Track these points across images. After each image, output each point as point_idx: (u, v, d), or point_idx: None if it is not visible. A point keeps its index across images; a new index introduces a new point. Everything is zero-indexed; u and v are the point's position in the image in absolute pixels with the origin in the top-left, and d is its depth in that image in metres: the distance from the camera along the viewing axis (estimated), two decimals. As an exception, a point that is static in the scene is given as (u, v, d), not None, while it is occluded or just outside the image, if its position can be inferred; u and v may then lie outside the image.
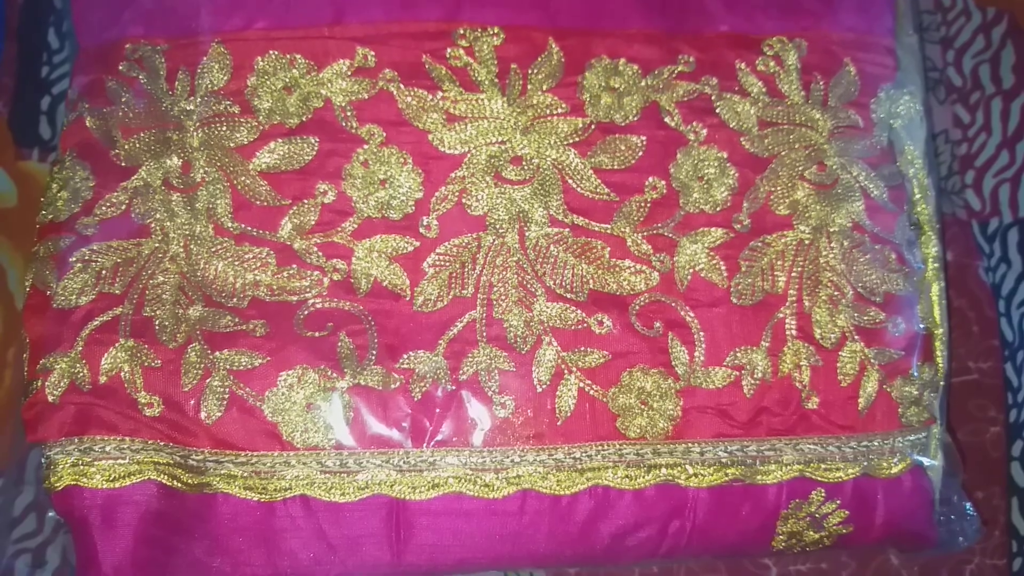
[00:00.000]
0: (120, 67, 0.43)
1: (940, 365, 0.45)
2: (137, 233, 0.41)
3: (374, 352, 0.41)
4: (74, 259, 0.40)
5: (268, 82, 0.42)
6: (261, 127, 0.42)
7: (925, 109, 0.48)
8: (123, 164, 0.42)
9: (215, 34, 0.42)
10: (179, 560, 0.40)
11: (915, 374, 0.44)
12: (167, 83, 0.42)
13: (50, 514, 0.46)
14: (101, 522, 0.39)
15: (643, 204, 0.43)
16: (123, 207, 0.41)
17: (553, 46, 0.43)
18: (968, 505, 0.46)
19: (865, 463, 0.43)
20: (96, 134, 0.42)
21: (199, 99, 0.42)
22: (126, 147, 0.42)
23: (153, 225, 0.41)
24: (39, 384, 0.39)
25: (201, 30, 0.42)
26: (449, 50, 0.43)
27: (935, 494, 0.45)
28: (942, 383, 0.46)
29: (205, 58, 0.42)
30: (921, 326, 0.45)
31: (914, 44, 0.49)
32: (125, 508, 0.39)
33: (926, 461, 0.44)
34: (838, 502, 0.43)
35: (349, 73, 0.42)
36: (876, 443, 0.43)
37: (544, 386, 0.41)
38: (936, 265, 0.46)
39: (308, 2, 0.43)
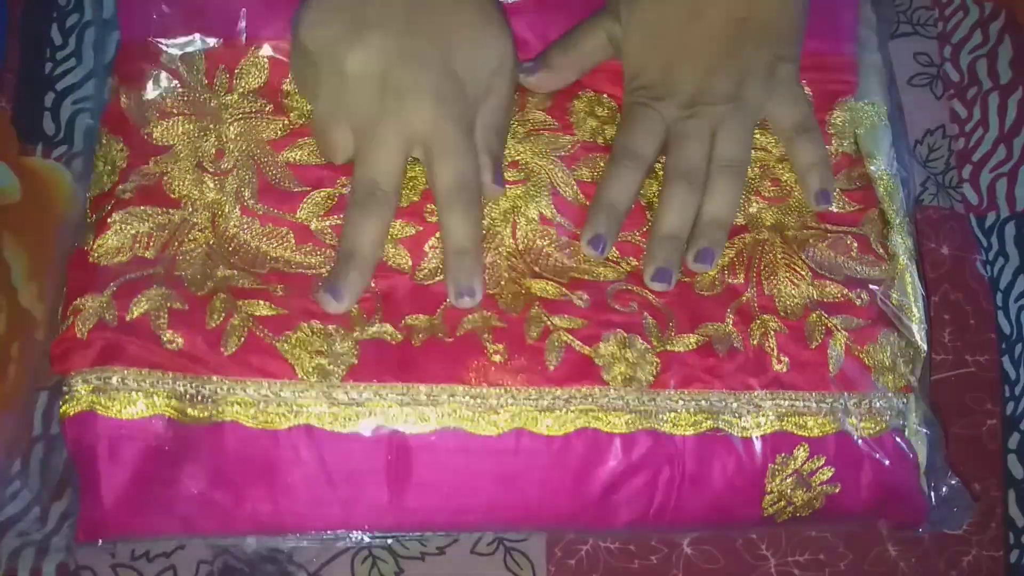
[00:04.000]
0: (161, 59, 0.46)
1: (919, 346, 0.47)
2: (168, 203, 0.44)
3: (379, 315, 0.43)
4: (112, 220, 0.43)
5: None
6: (292, 126, 0.46)
7: (891, 118, 0.50)
8: (155, 142, 0.45)
9: (252, 40, 0.47)
10: (181, 495, 0.42)
11: (884, 342, 0.45)
12: (206, 78, 0.47)
13: (54, 507, 0.47)
14: (108, 454, 0.41)
15: None
16: (155, 178, 0.45)
17: None
18: (954, 478, 0.47)
19: (843, 419, 0.44)
20: (129, 112, 0.46)
21: (236, 96, 0.46)
22: (160, 127, 0.45)
23: (183, 200, 0.44)
24: (70, 322, 0.41)
25: (238, 36, 0.47)
26: None
27: (920, 462, 0.46)
28: (922, 356, 0.47)
29: (243, 60, 0.47)
30: (891, 305, 0.46)
31: (878, 61, 0.51)
32: (132, 444, 0.41)
33: (907, 428, 0.46)
34: (823, 459, 0.44)
35: None
36: (853, 402, 0.45)
37: (534, 339, 0.43)
38: (905, 258, 0.48)
39: None
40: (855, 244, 0.47)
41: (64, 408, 0.41)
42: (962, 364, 0.52)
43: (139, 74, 0.46)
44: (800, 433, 0.44)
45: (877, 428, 0.45)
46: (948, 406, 0.50)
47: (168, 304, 0.42)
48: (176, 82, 0.46)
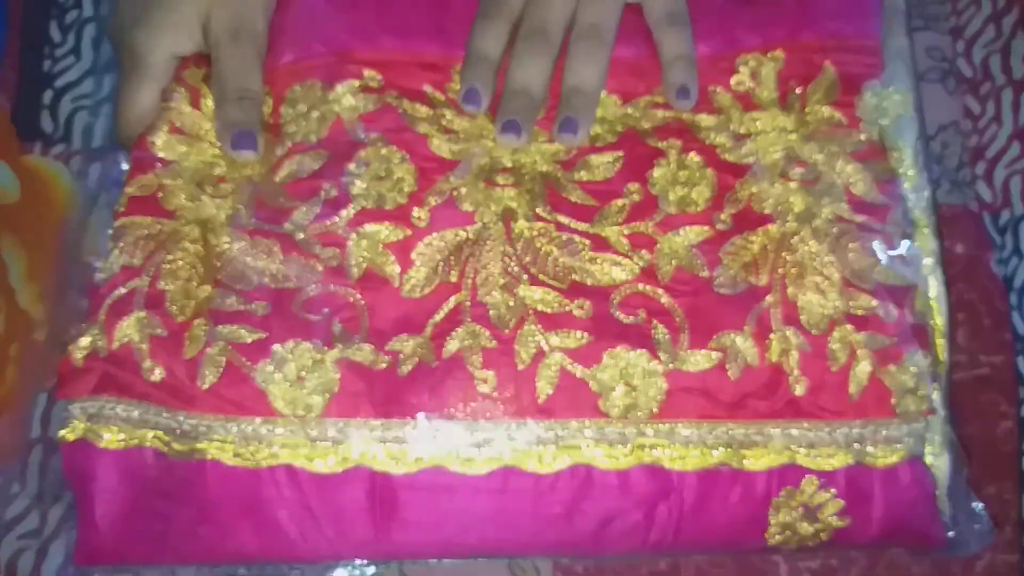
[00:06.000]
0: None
1: (941, 358, 0.45)
2: (161, 214, 0.44)
3: (364, 333, 0.42)
4: (109, 235, 0.44)
5: (295, 110, 0.46)
6: (285, 147, 0.46)
7: (917, 109, 0.48)
8: (159, 153, 0.45)
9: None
10: (171, 529, 0.41)
11: (908, 362, 0.43)
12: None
13: (53, 510, 0.46)
14: (100, 482, 0.41)
15: (623, 207, 0.45)
16: (152, 189, 0.44)
17: None
18: (978, 505, 0.45)
19: (858, 449, 0.42)
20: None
21: None
22: (165, 140, 0.45)
23: (177, 212, 0.44)
24: (71, 348, 0.42)
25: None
26: (447, 84, 0.47)
27: (939, 490, 0.44)
28: (943, 375, 0.45)
29: None
30: (916, 318, 0.45)
31: (904, 47, 0.49)
32: (122, 473, 0.41)
33: (928, 456, 0.44)
34: (832, 492, 0.42)
35: (358, 91, 0.46)
36: (869, 430, 0.43)
37: (525, 364, 0.42)
38: (931, 260, 0.46)
39: (325, 34, 0.47)
40: (884, 245, 0.45)
41: (61, 434, 0.41)
42: (977, 365, 0.51)
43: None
44: (809, 466, 0.42)
45: (894, 458, 0.43)
46: (962, 408, 0.49)
47: (149, 332, 0.42)
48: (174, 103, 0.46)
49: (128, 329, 0.42)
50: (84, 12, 0.53)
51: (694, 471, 0.42)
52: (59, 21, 0.53)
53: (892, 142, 0.47)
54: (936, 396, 0.44)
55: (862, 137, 0.47)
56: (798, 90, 0.47)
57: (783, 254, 0.44)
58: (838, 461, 0.42)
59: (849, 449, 0.42)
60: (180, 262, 0.43)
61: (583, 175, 0.46)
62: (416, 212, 0.44)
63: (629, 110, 0.47)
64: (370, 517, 0.41)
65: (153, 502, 0.41)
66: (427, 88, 0.47)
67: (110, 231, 0.44)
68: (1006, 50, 0.56)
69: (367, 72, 0.46)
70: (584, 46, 0.45)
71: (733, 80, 0.47)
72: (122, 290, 0.42)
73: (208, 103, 0.46)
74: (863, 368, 0.43)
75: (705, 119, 0.47)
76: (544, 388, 0.41)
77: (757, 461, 0.42)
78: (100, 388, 0.41)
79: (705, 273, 0.44)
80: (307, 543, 0.42)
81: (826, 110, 0.47)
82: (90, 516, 0.41)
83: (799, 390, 0.42)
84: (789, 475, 0.42)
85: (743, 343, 0.42)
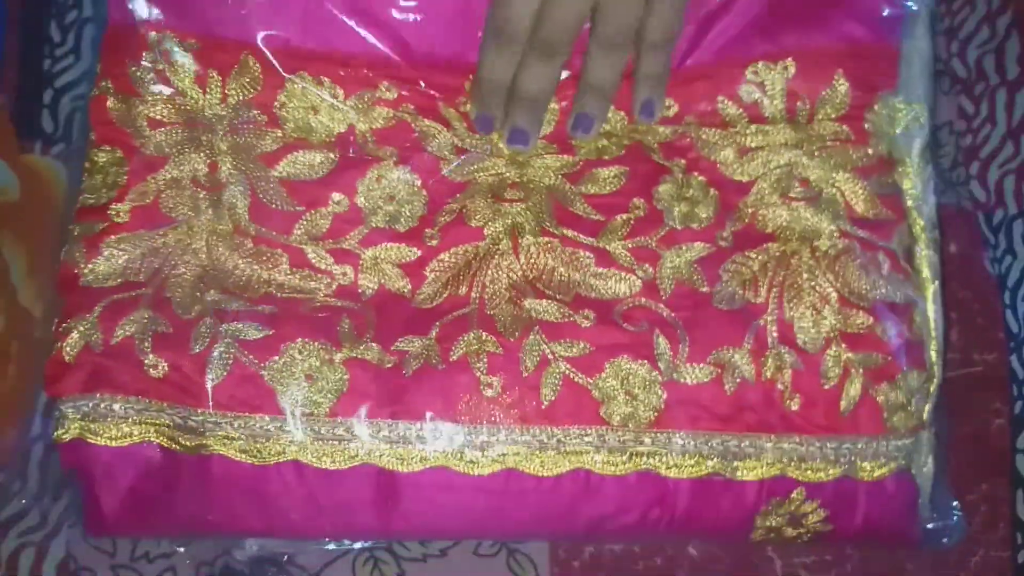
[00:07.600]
0: (145, 56, 0.44)
1: (934, 373, 0.45)
2: (164, 223, 0.43)
3: (371, 333, 0.42)
4: (104, 244, 0.43)
5: (296, 101, 0.45)
6: (286, 139, 0.45)
7: (930, 113, 0.47)
8: (151, 153, 0.44)
9: (247, 46, 0.45)
10: (175, 513, 0.42)
11: (902, 380, 0.44)
12: (197, 84, 0.45)
13: (53, 507, 0.46)
14: (103, 477, 0.42)
15: (627, 221, 0.45)
16: (152, 197, 0.44)
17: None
18: (955, 505, 0.46)
19: (847, 465, 0.43)
20: (118, 119, 0.44)
21: (230, 107, 0.45)
22: (155, 139, 0.44)
23: (179, 218, 0.43)
24: (59, 345, 0.41)
25: (233, 36, 0.45)
26: (461, 98, 0.47)
27: (923, 498, 0.45)
28: (935, 384, 0.45)
29: (236, 68, 0.45)
30: (913, 335, 0.45)
31: (925, 51, 0.48)
32: (126, 465, 0.41)
33: (913, 466, 0.44)
34: (818, 502, 0.43)
35: (372, 103, 0.46)
36: (860, 446, 0.43)
37: (530, 371, 0.42)
38: (927, 274, 0.46)
39: (333, 28, 0.45)
40: (887, 261, 0.45)
41: (57, 434, 0.41)
42: (970, 363, 0.51)
43: (122, 69, 0.44)
44: (800, 478, 0.43)
45: (881, 471, 0.43)
46: (956, 405, 0.50)
47: (153, 328, 0.41)
48: (160, 84, 0.44)
49: (129, 325, 0.41)
50: (84, 12, 0.53)
51: (688, 479, 0.42)
52: (59, 21, 0.53)
53: (899, 153, 0.47)
54: (925, 413, 0.45)
55: (869, 152, 0.46)
56: (807, 102, 0.47)
57: (781, 274, 0.44)
58: (828, 475, 0.43)
59: (839, 463, 0.43)
60: (186, 275, 0.43)
61: (590, 188, 0.46)
62: (428, 232, 0.44)
63: (635, 125, 0.47)
64: (374, 509, 0.42)
65: (158, 492, 0.42)
66: (440, 105, 0.46)
67: (109, 240, 0.43)
68: (1000, 50, 0.56)
69: (382, 84, 0.46)
70: (604, 52, 0.44)
71: (742, 90, 0.47)
72: (123, 295, 0.42)
73: (186, 80, 0.44)
74: (855, 387, 0.43)
75: (710, 133, 0.47)
76: (547, 394, 0.42)
77: (749, 472, 0.43)
78: (93, 385, 0.41)
79: (705, 288, 0.44)
80: (312, 526, 0.43)
81: (833, 125, 0.46)
82: (96, 505, 0.42)
83: (793, 406, 0.43)
84: (779, 486, 0.43)
85: (740, 360, 0.43)
